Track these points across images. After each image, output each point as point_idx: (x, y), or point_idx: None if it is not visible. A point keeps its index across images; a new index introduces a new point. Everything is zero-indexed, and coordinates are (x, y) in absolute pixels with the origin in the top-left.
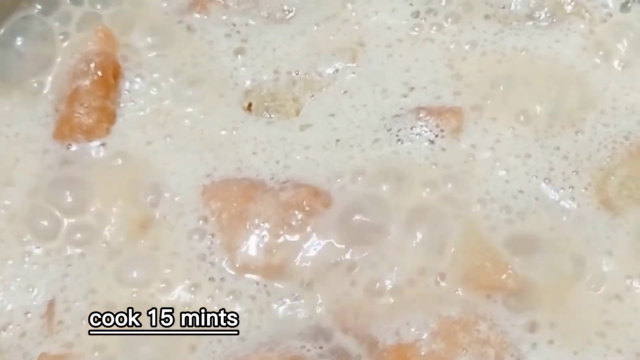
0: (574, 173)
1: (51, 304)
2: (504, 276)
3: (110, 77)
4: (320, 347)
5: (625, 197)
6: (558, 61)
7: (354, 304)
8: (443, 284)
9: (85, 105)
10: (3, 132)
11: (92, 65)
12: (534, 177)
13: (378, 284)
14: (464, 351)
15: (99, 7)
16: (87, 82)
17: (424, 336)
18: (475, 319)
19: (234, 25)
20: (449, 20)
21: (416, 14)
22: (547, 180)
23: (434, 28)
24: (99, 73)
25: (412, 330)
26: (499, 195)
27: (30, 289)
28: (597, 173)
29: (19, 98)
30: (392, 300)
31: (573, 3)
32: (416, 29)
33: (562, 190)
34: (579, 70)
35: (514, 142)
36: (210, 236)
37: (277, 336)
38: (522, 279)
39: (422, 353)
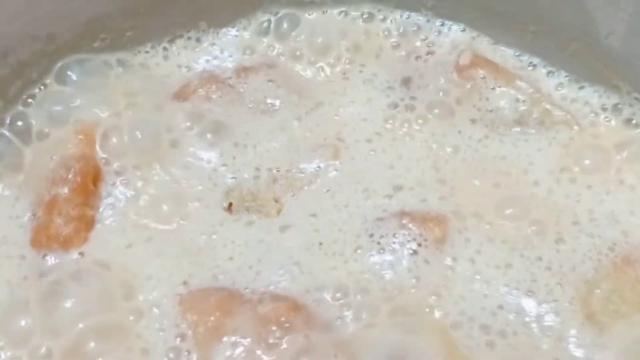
0: (558, 285)
1: None
2: None
3: (90, 183)
4: None
5: (612, 312)
6: (527, 173)
7: None
8: None
9: (64, 214)
10: None
11: (72, 172)
12: (515, 290)
13: None
14: None
15: (77, 102)
16: (65, 190)
17: None
18: None
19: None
20: (431, 116)
21: (393, 106)
22: (529, 293)
23: (416, 122)
24: (78, 180)
25: None
26: (477, 313)
27: None
28: (582, 286)
29: None
30: None
31: (562, 111)
32: (390, 121)
33: (545, 305)
34: (545, 187)
35: (494, 253)
36: (187, 353)
37: None
38: None
39: None
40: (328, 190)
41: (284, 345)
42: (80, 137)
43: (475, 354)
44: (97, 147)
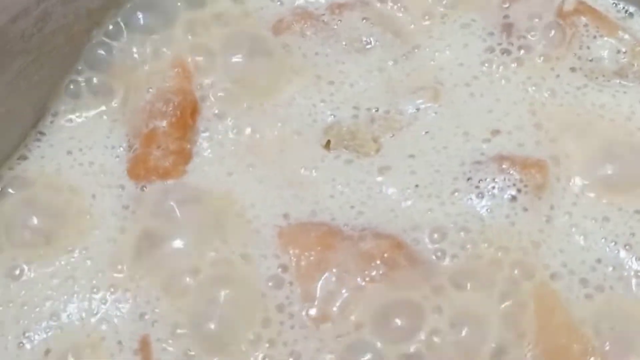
0: None
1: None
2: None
3: (188, 117)
4: None
5: None
6: (629, 121)
7: None
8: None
9: (162, 147)
10: (77, 158)
11: (171, 106)
12: (613, 243)
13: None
14: None
15: (171, 34)
16: (164, 124)
17: None
18: None
19: (316, 53)
20: (528, 61)
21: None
22: (626, 248)
23: (514, 67)
24: (178, 114)
25: None
26: (577, 266)
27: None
28: None
29: (93, 123)
30: None
31: None
32: (487, 65)
33: None
34: None
35: (592, 204)
36: (289, 284)
37: None
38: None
39: None
40: (427, 132)
41: (388, 281)
42: (176, 70)
43: (574, 307)
44: (194, 80)
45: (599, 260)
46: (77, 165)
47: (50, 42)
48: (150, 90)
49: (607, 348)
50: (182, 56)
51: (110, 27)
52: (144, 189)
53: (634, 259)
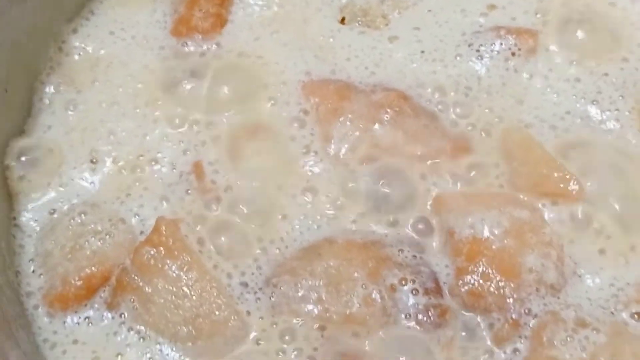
0: (620, 97)
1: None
2: (569, 186)
3: None
4: (398, 233)
5: None
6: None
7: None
8: (513, 189)
9: (203, 10)
10: (119, 35)
11: None
12: (582, 99)
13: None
14: (531, 250)
15: None
16: None
17: (496, 232)
18: (542, 222)
19: None
20: None
21: None
22: (594, 103)
23: None
24: None
25: (486, 226)
26: (549, 118)
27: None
28: None
29: (136, 5)
30: (470, 193)
31: None
32: None
33: (608, 112)
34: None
35: (566, 69)
36: (311, 127)
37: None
38: (583, 188)
39: (494, 247)
40: (430, 10)
41: (395, 125)
42: None
43: (546, 145)
44: None
45: (568, 112)
46: (120, 40)
47: None
48: None
49: (583, 176)
50: None
51: None
52: (184, 45)
53: (599, 111)
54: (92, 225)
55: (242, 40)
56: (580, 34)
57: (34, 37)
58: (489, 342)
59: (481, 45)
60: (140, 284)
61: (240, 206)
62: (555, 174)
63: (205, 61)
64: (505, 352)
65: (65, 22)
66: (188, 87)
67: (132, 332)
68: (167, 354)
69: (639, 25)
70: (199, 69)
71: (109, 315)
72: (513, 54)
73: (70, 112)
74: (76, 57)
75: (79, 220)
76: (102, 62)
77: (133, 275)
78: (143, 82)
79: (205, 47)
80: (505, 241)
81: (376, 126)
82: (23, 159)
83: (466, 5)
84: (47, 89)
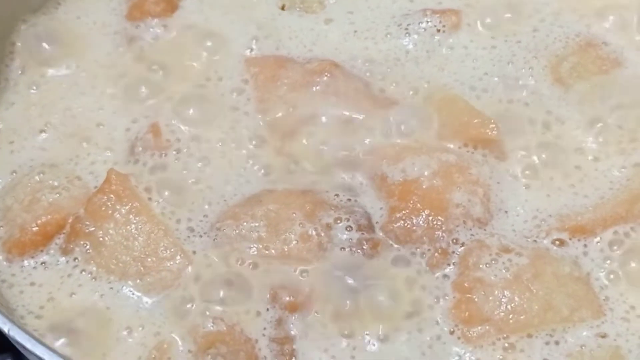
0: (534, 58)
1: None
2: (489, 130)
3: None
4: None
5: (575, 77)
6: None
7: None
8: (440, 140)
9: None
10: (84, 20)
11: None
12: (498, 62)
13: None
14: (458, 188)
15: None
16: None
17: (426, 173)
18: (469, 164)
19: None
20: None
21: None
22: (510, 64)
23: None
24: None
25: (416, 169)
26: (467, 80)
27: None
28: (553, 59)
29: None
30: (400, 144)
31: None
32: None
33: (522, 70)
34: None
35: (484, 39)
36: (248, 94)
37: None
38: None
39: (424, 187)
40: None
41: (323, 86)
42: None
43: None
44: None
45: (485, 73)
46: (83, 24)
47: None
48: None
49: (500, 123)
50: None
51: None
52: (138, 27)
53: (514, 70)
54: (50, 182)
55: (190, 23)
56: (499, 14)
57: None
58: (421, 270)
59: (409, 24)
60: (92, 229)
61: (190, 162)
62: (475, 120)
63: (156, 42)
64: (436, 279)
65: (31, 12)
66: (142, 63)
67: (84, 273)
68: (118, 291)
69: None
70: (149, 51)
71: (64, 259)
72: (438, 30)
73: (32, 91)
74: (42, 41)
75: (38, 179)
76: (65, 46)
77: (86, 222)
78: (102, 64)
79: (156, 28)
80: (434, 181)
81: (310, 89)
82: None
83: None
84: (13, 71)
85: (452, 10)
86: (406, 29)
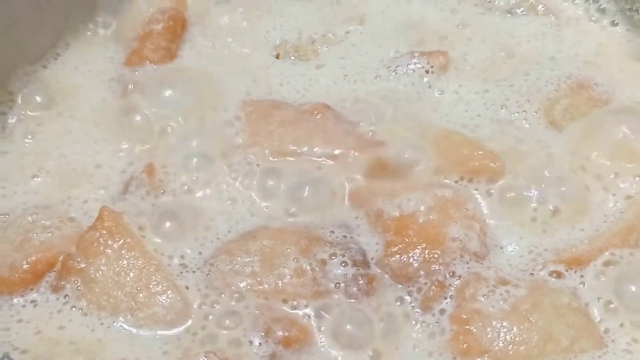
0: (527, 101)
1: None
2: (492, 162)
3: (178, 27)
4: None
5: (568, 119)
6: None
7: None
8: (435, 174)
9: (155, 43)
10: (81, 70)
11: (166, 15)
12: (492, 105)
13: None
14: (455, 222)
15: None
16: (159, 27)
17: (422, 208)
18: (465, 199)
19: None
20: None
21: None
22: (503, 107)
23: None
24: (171, 23)
25: (412, 204)
26: (459, 120)
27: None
28: (546, 102)
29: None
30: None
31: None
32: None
33: (516, 114)
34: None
35: (475, 83)
36: (239, 129)
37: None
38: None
39: (420, 221)
40: (354, 45)
41: (313, 124)
42: None
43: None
44: (187, 6)
45: (479, 115)
46: (80, 74)
47: None
48: (151, 9)
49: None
50: None
51: None
52: (136, 72)
53: (508, 113)
54: (42, 222)
55: (191, 66)
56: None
57: None
58: (416, 307)
59: (398, 66)
60: (84, 265)
61: (183, 200)
62: (476, 153)
63: (150, 83)
64: (433, 314)
65: (30, 63)
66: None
67: (74, 309)
68: (109, 326)
69: (538, 42)
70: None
71: (54, 296)
72: (427, 71)
73: (27, 140)
74: (38, 92)
75: (30, 219)
76: (61, 96)
77: (77, 259)
78: (97, 111)
79: (153, 71)
80: (431, 216)
81: (300, 125)
82: None
83: (385, 42)
84: (9, 119)
85: (439, 51)
86: (395, 71)
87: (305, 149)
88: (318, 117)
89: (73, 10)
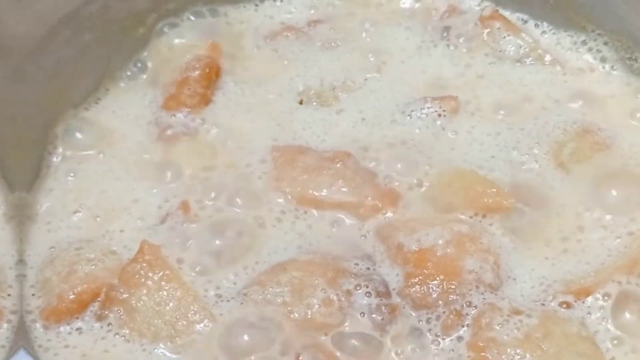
0: (536, 144)
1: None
2: (505, 200)
3: (213, 74)
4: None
5: (575, 161)
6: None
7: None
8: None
9: (192, 89)
10: (120, 114)
11: (202, 62)
12: (504, 147)
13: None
14: (471, 256)
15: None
16: (195, 74)
17: (440, 242)
18: (480, 234)
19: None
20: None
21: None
22: (515, 149)
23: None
24: (207, 70)
25: (430, 238)
26: (476, 161)
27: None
28: (554, 145)
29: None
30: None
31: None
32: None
33: (527, 155)
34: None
35: (487, 125)
36: (265, 172)
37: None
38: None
39: (438, 254)
40: (372, 90)
41: (335, 172)
42: (209, 43)
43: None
44: (221, 54)
45: (492, 156)
46: (119, 117)
47: (110, 27)
48: (187, 56)
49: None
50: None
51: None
52: (174, 116)
53: (520, 155)
54: (86, 255)
55: (221, 116)
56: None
57: (44, 114)
58: (436, 333)
59: (412, 110)
60: (126, 295)
61: (217, 234)
62: (489, 190)
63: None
64: (451, 341)
65: (74, 106)
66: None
67: (117, 337)
68: (150, 352)
69: (545, 89)
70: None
71: (98, 325)
72: (439, 115)
73: (70, 178)
74: (80, 133)
75: (75, 252)
76: (101, 137)
77: (120, 290)
78: (136, 152)
79: (191, 119)
80: (448, 249)
81: (322, 173)
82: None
83: (403, 87)
84: (54, 159)
85: (450, 96)
86: (409, 115)
87: (324, 193)
88: (339, 165)
89: (112, 58)
